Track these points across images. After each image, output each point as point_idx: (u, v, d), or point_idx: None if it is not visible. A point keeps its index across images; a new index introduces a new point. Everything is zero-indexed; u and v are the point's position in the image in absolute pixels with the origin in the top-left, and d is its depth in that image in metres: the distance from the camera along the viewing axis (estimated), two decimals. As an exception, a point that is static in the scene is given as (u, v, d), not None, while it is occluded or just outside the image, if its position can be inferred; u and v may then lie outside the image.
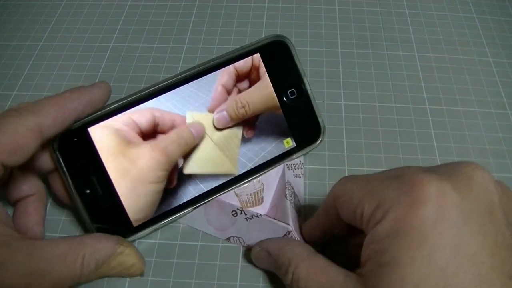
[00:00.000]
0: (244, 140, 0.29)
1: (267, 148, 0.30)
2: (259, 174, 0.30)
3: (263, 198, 0.29)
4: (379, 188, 0.21)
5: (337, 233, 0.25)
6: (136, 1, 0.45)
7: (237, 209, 0.28)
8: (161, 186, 0.27)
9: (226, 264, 0.27)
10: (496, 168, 0.32)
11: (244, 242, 0.28)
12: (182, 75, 0.28)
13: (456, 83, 0.37)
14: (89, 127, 0.26)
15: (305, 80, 0.30)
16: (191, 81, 0.28)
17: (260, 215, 0.27)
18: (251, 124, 0.29)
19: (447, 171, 0.20)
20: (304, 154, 0.31)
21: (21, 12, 0.44)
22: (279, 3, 0.44)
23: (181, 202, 0.28)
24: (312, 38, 0.41)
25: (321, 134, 0.31)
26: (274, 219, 0.27)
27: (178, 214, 0.28)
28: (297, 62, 0.30)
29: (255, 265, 0.27)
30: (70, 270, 0.23)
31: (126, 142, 0.27)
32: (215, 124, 0.28)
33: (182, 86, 0.28)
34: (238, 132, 0.29)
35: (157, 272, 0.27)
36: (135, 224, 0.27)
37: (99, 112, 0.26)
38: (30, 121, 0.23)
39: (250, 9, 0.44)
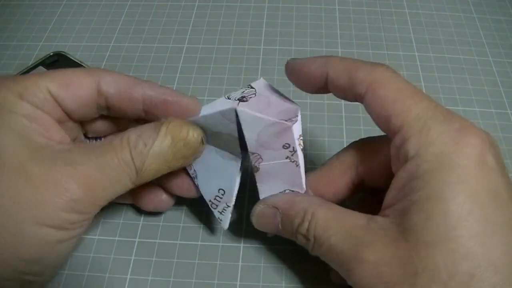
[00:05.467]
0: None
1: None
2: None
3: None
4: (426, 114, 0.20)
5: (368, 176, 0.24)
6: (136, 1, 0.45)
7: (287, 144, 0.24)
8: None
9: (226, 264, 0.27)
10: (496, 168, 0.32)
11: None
12: None
13: (456, 83, 0.37)
14: None
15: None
16: None
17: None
18: None
19: None
20: None
21: (21, 12, 0.44)
22: (279, 3, 0.44)
23: None
24: (312, 38, 0.41)
25: None
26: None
27: None
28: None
29: (255, 265, 0.27)
30: (120, 156, 0.21)
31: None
32: None
33: None
34: None
35: (157, 272, 0.27)
36: None
37: None
38: (87, 72, 0.23)
39: (250, 9, 0.44)
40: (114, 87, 0.23)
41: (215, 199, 0.26)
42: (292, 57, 0.39)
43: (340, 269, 0.21)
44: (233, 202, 0.25)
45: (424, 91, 0.36)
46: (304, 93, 0.37)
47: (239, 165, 0.25)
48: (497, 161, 0.20)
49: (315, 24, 0.42)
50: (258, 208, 0.25)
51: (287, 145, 0.25)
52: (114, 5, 0.44)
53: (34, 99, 0.22)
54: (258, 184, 0.25)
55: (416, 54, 0.40)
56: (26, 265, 0.20)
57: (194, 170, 0.26)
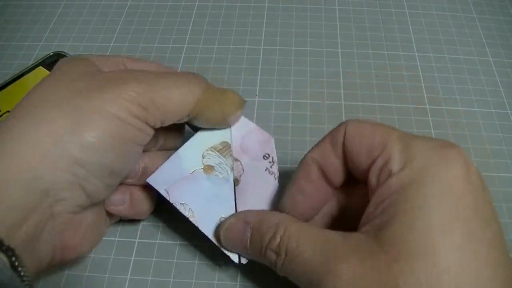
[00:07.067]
0: None
1: None
2: None
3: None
4: (407, 136, 0.20)
5: (329, 170, 0.23)
6: (136, 1, 0.45)
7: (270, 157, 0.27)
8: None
9: (226, 264, 0.27)
10: (496, 168, 0.32)
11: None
12: None
13: (456, 83, 0.37)
14: None
15: None
16: None
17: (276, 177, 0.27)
18: None
19: None
20: None
21: (21, 12, 0.44)
22: (279, 3, 0.44)
23: None
24: (312, 38, 0.41)
25: None
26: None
27: None
28: None
29: (255, 265, 0.27)
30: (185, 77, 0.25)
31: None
32: None
33: None
34: None
35: (157, 272, 0.27)
36: None
37: None
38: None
39: (250, 9, 0.44)
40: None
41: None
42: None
43: (311, 287, 0.20)
44: None
45: (424, 91, 0.37)
46: (303, 92, 0.37)
47: (232, 185, 0.26)
48: (481, 180, 0.19)
49: (315, 24, 0.42)
50: (228, 222, 0.24)
51: (267, 155, 0.27)
52: (114, 5, 0.44)
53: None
54: (237, 199, 0.26)
55: (416, 54, 0.40)
56: (80, 149, 0.20)
57: (190, 209, 0.25)
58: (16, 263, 0.18)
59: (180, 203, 0.25)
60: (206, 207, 0.25)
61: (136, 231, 0.29)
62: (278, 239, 0.21)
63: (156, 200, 0.29)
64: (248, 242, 0.23)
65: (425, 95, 0.36)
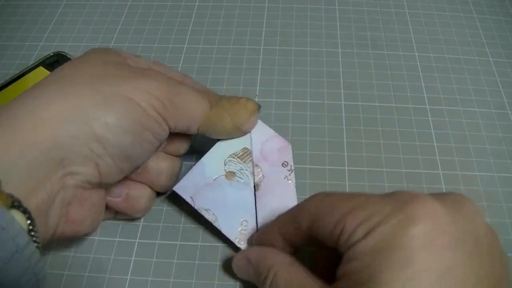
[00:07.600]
0: None
1: None
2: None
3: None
4: (367, 203, 0.20)
5: (296, 243, 0.24)
6: (136, 1, 0.45)
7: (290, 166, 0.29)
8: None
9: (226, 265, 0.27)
10: (496, 168, 0.32)
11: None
12: None
13: (456, 83, 0.37)
14: None
15: None
16: None
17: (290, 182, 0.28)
18: None
19: (439, 196, 0.20)
20: None
21: (21, 12, 0.44)
22: (279, 3, 0.44)
23: None
24: (312, 38, 0.41)
25: None
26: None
27: None
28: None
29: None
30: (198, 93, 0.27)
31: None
32: None
33: None
34: None
35: (157, 273, 0.27)
36: None
37: None
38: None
39: (250, 9, 0.44)
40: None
41: (240, 233, 0.27)
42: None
43: None
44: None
45: (424, 91, 0.37)
46: (303, 92, 0.37)
47: (252, 190, 0.27)
48: (452, 233, 0.18)
49: (315, 24, 0.42)
50: (236, 258, 0.26)
51: (285, 163, 0.29)
52: (114, 5, 0.44)
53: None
54: (257, 204, 0.27)
55: (416, 54, 0.40)
56: (102, 127, 0.22)
57: (213, 214, 0.27)
58: (31, 227, 0.18)
59: (205, 209, 0.27)
60: (229, 212, 0.27)
61: (136, 231, 0.29)
62: (268, 283, 0.23)
63: (154, 202, 0.29)
64: (251, 277, 0.25)
65: (425, 95, 0.36)
